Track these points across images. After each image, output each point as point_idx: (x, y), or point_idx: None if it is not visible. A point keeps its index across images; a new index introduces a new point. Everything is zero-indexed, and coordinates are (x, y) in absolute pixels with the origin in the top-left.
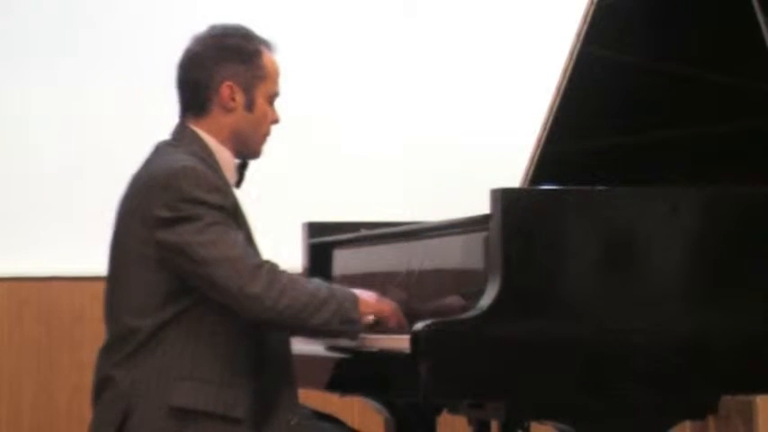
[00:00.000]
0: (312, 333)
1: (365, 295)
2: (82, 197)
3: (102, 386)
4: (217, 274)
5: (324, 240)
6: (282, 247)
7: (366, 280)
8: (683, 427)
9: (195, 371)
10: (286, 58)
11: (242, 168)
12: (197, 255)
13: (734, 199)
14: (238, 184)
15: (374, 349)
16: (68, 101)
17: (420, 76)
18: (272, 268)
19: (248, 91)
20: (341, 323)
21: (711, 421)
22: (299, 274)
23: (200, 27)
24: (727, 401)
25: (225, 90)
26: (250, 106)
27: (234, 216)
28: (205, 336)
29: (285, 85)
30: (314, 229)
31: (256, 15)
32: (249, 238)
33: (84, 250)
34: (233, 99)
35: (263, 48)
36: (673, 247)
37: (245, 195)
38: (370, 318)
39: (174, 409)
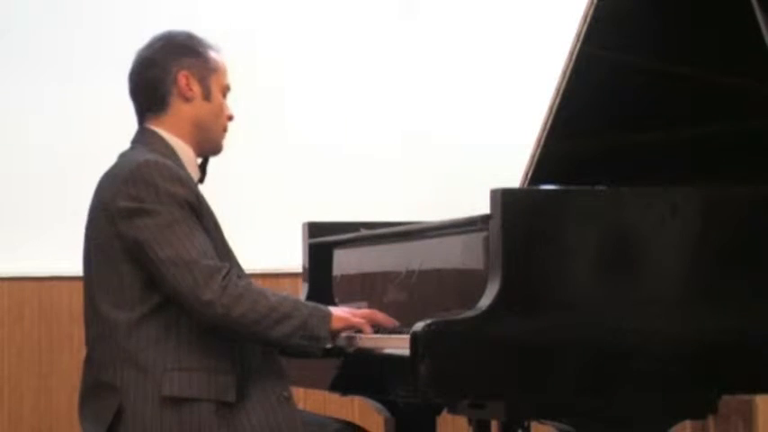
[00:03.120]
0: (271, 345)
1: (339, 311)
2: (82, 197)
3: (89, 392)
4: (171, 275)
5: (324, 240)
6: (282, 247)
7: (366, 280)
8: (683, 427)
9: (182, 361)
10: (287, 60)
11: (203, 164)
12: (154, 253)
13: (734, 199)
14: (201, 180)
15: (374, 349)
16: (69, 101)
17: (420, 76)
18: (229, 275)
19: (203, 81)
20: (302, 338)
21: (711, 421)
22: (257, 286)
23: (201, 27)
24: (727, 401)
25: (182, 80)
26: (207, 96)
27: (198, 209)
28: (184, 327)
29: (286, 86)
30: (314, 229)
31: (257, 17)
32: (216, 230)
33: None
34: (190, 89)
35: (208, 46)
36: (673, 247)
37: (246, 195)
38: (343, 334)
39: (167, 398)
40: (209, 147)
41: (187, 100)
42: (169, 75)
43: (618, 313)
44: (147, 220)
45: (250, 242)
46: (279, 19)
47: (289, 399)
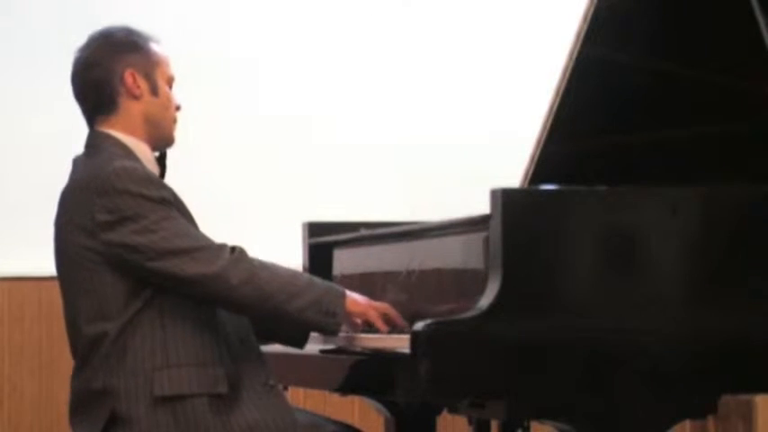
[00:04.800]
0: (286, 320)
1: (355, 295)
2: None
3: (80, 401)
4: (178, 267)
5: (324, 240)
6: (282, 247)
7: (366, 280)
8: (683, 427)
9: (170, 359)
10: (285, 57)
11: (161, 160)
12: (152, 252)
13: (734, 199)
14: (162, 175)
15: (374, 349)
16: (69, 100)
17: (420, 75)
18: (237, 249)
19: (149, 76)
20: (317, 313)
21: (711, 421)
22: (268, 262)
23: (198, 26)
24: (728, 401)
25: (128, 78)
26: (154, 90)
27: (174, 205)
28: (170, 324)
29: (286, 85)
30: (314, 229)
31: (256, 12)
32: (193, 226)
33: None
34: (138, 86)
35: (147, 39)
36: (672, 246)
37: (246, 195)
38: (358, 320)
39: (159, 398)
40: (162, 141)
41: (135, 97)
42: (115, 74)
43: (618, 313)
44: (132, 226)
45: (250, 242)
46: (275, 15)
47: (274, 386)
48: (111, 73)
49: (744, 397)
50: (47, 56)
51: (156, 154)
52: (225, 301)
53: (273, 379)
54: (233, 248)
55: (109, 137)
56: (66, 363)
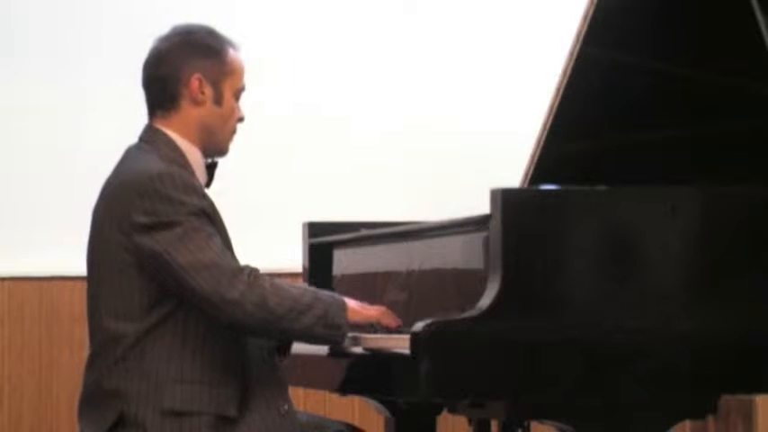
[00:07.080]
0: (295, 338)
1: (353, 303)
2: (82, 197)
3: (91, 396)
4: (196, 281)
5: (324, 240)
6: (282, 247)
7: (366, 280)
8: (683, 427)
9: (185, 373)
10: (287, 59)
11: (211, 168)
12: (175, 262)
13: (734, 199)
14: (208, 184)
15: (374, 349)
16: (69, 101)
17: (420, 75)
18: (252, 273)
19: (216, 85)
20: (324, 327)
21: (711, 421)
22: (283, 279)
23: (203, 23)
24: (727, 401)
25: (194, 83)
26: (219, 100)
27: (212, 218)
28: (191, 338)
29: (286, 85)
30: (314, 229)
31: (260, 15)
32: (226, 240)
33: (85, 250)
34: (202, 92)
35: (227, 45)
36: (672, 246)
37: (246, 195)
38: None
39: (168, 411)
40: (214, 150)
41: (197, 103)
42: (182, 76)
43: (618, 313)
44: (165, 233)
45: (250, 242)
46: (281, 16)
47: (288, 412)
48: (178, 73)
49: (744, 397)
50: (48, 56)
51: (208, 161)
52: (239, 326)
53: (288, 403)
54: (249, 272)
55: (164, 135)
56: (67, 363)
